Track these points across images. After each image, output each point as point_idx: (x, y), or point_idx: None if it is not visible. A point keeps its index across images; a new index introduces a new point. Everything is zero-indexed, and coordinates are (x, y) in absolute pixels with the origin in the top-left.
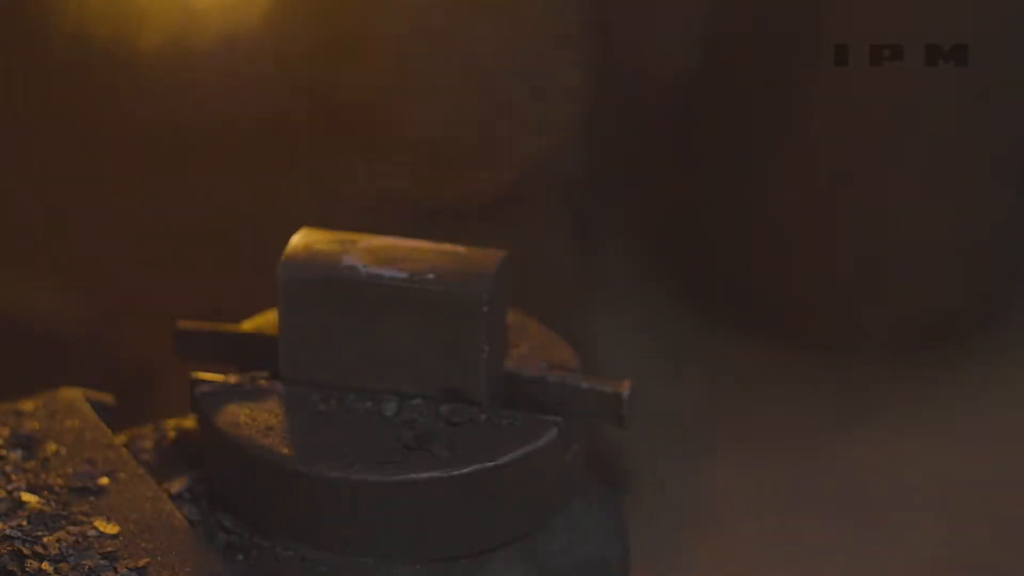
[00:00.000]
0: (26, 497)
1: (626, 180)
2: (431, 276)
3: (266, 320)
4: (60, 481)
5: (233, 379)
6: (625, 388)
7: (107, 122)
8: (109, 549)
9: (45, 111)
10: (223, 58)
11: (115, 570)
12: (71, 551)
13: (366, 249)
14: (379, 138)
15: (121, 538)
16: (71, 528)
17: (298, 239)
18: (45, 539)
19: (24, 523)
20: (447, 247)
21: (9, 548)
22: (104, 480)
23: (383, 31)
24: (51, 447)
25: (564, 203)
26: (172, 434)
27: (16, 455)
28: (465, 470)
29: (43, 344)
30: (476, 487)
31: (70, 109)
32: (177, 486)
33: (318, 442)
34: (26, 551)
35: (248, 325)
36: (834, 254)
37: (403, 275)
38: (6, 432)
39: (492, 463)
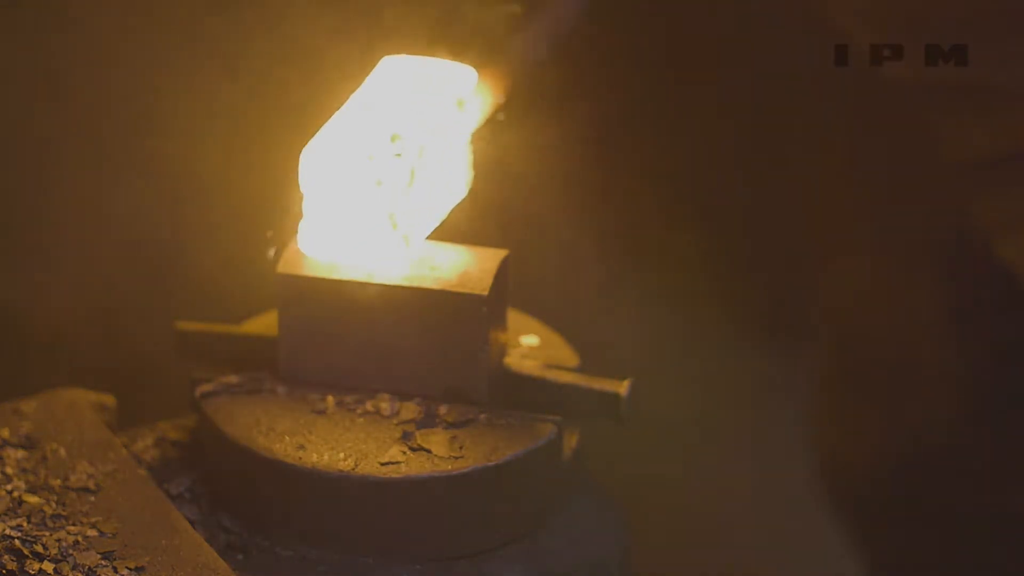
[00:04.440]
0: (26, 497)
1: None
2: (431, 276)
3: (266, 320)
4: (60, 481)
5: (233, 379)
6: (624, 388)
7: (108, 120)
8: (109, 549)
9: (44, 109)
10: None
11: (115, 570)
12: (71, 551)
13: None
14: None
15: (121, 538)
16: (71, 528)
17: (297, 239)
18: (45, 539)
19: (24, 523)
20: (448, 246)
21: (9, 548)
22: (104, 480)
23: None
24: (51, 447)
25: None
26: (172, 434)
27: (16, 455)
28: (465, 470)
29: (43, 344)
30: (476, 487)
31: (71, 107)
32: (177, 486)
33: (318, 442)
34: (26, 551)
35: (248, 326)
36: None
37: (403, 275)
38: (6, 432)
39: (492, 463)
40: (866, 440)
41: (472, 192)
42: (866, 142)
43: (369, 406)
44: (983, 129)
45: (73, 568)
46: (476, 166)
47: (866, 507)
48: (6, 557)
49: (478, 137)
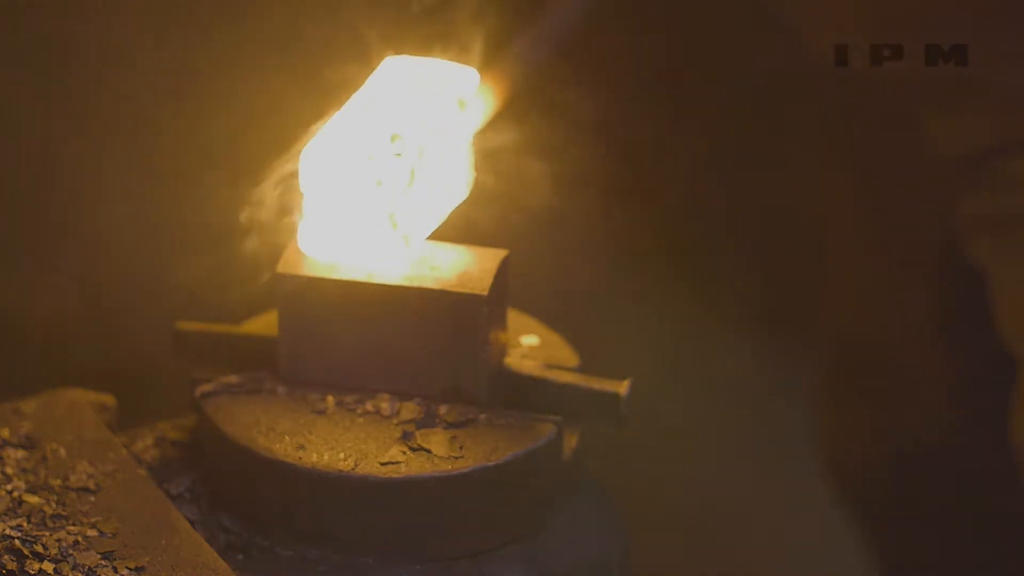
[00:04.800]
0: (26, 497)
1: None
2: (431, 276)
3: (266, 320)
4: (60, 481)
5: (233, 379)
6: (624, 389)
7: (108, 120)
8: (109, 549)
9: (45, 110)
10: None
11: (115, 570)
12: (71, 551)
13: None
14: None
15: (121, 538)
16: (71, 528)
17: (297, 238)
18: (45, 539)
19: (24, 523)
20: (448, 246)
21: (9, 548)
22: (104, 480)
23: None
24: (51, 447)
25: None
26: (172, 434)
27: (16, 455)
28: (465, 470)
29: (43, 344)
30: (476, 487)
31: (71, 108)
32: (177, 486)
33: (318, 442)
34: (26, 551)
35: (248, 326)
36: None
37: (403, 275)
38: (6, 432)
39: (492, 463)
40: (866, 440)
41: (473, 192)
42: (864, 141)
43: (369, 406)
44: (963, 129)
45: (73, 568)
46: (477, 166)
47: (866, 507)
48: (6, 557)
49: (479, 137)
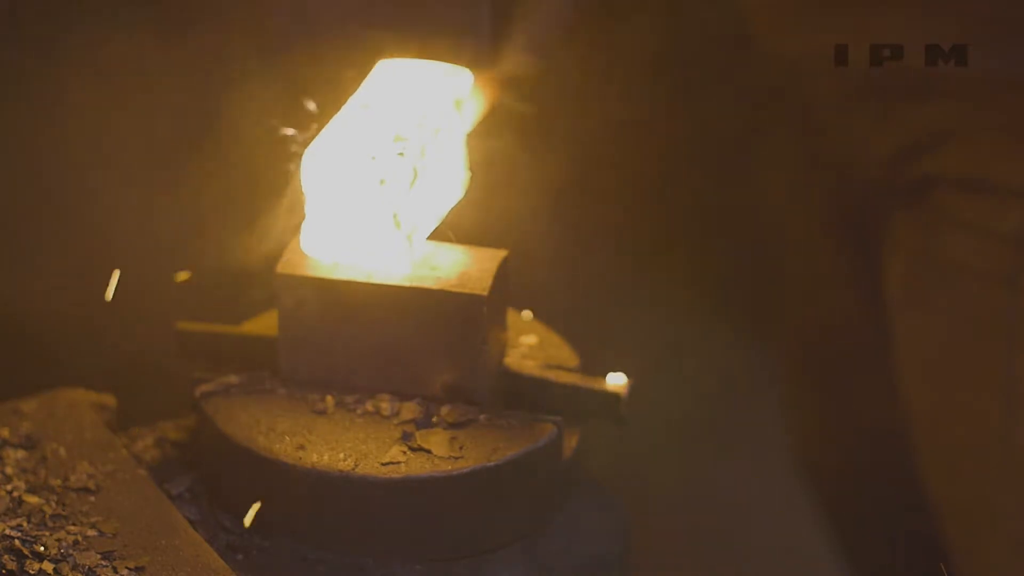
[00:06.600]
0: (26, 497)
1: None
2: (431, 276)
3: (266, 321)
4: (60, 481)
5: (233, 379)
6: (624, 388)
7: (107, 121)
8: (109, 549)
9: (45, 110)
10: None
11: (115, 570)
12: (71, 551)
13: None
14: None
15: (121, 538)
16: (71, 528)
17: (298, 238)
18: (45, 539)
19: (24, 523)
20: (448, 246)
21: (9, 548)
22: (104, 480)
23: None
24: (51, 447)
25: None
26: (172, 434)
27: (16, 455)
28: (465, 470)
29: (43, 344)
30: (476, 487)
31: (70, 108)
32: (177, 486)
33: (318, 442)
34: (26, 551)
35: (248, 326)
36: None
37: (403, 275)
38: (6, 432)
39: (492, 463)
40: (829, 430)
41: (471, 192)
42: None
43: (369, 406)
44: (900, 156)
45: (73, 568)
46: (473, 166)
47: (833, 494)
48: (6, 557)
49: (473, 137)
